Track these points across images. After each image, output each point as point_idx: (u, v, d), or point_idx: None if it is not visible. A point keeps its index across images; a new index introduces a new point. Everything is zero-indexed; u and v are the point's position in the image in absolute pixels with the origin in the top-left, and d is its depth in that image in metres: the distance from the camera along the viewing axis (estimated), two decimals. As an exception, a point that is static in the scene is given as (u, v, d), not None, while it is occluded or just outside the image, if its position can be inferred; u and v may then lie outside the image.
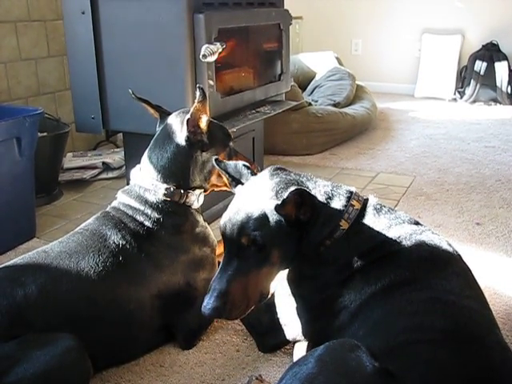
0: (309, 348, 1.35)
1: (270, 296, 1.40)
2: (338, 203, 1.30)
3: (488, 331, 1.13)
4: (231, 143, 1.71)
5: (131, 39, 2.23)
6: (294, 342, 1.43)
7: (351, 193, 1.34)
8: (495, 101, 4.98)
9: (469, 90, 5.04)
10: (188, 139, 1.58)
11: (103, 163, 3.08)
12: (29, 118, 2.15)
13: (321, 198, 1.30)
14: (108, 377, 1.46)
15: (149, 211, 1.56)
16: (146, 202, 1.58)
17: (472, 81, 5.00)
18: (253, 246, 1.23)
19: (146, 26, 2.17)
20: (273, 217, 1.23)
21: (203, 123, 1.59)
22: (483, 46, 5.03)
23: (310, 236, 1.27)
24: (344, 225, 1.28)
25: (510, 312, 1.69)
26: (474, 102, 5.03)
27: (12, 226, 2.20)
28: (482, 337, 1.10)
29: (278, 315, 1.43)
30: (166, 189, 1.57)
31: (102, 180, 3.01)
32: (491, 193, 2.75)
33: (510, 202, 2.61)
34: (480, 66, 4.93)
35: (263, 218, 1.23)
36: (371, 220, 1.30)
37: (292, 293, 1.37)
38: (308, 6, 5.54)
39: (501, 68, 4.88)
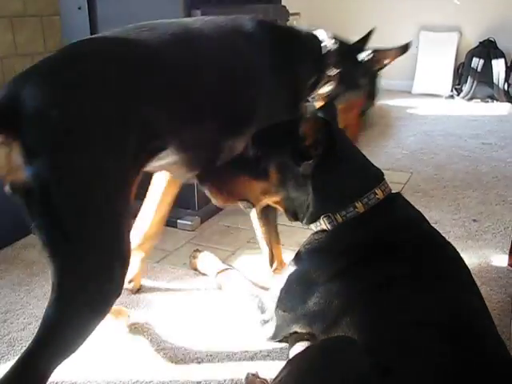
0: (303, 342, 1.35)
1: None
2: (362, 182, 1.32)
3: (484, 327, 1.13)
4: None
5: (128, 35, 2.22)
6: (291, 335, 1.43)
7: (380, 181, 1.34)
8: (492, 98, 4.98)
9: (466, 87, 5.04)
10: None
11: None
12: (25, 113, 2.14)
13: (349, 164, 1.34)
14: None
15: None
16: None
17: (469, 78, 5.00)
18: (253, 148, 1.35)
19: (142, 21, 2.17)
20: (285, 134, 1.33)
21: None
22: (480, 42, 5.03)
23: (321, 190, 1.30)
24: (359, 208, 1.28)
25: (505, 308, 1.70)
26: (471, 98, 5.03)
27: (9, 221, 2.18)
28: (477, 333, 1.10)
29: (278, 306, 1.43)
30: None
31: (99, 176, 3.00)
32: (488, 189, 2.75)
33: (506, 199, 2.62)
34: (477, 62, 4.93)
35: (274, 130, 1.36)
36: (384, 214, 1.29)
37: (290, 280, 1.38)
38: (305, 3, 5.53)
39: (498, 65, 4.88)
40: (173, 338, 1.59)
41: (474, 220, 2.38)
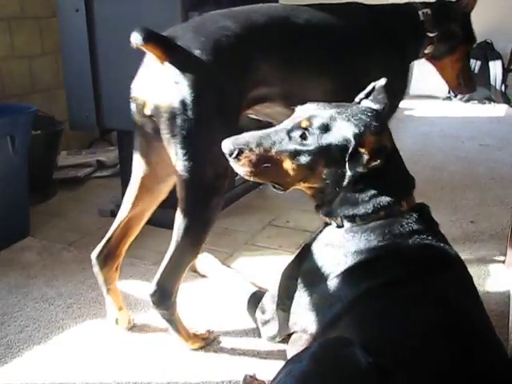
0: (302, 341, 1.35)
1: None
2: (392, 193, 1.28)
3: (482, 328, 1.14)
4: None
5: (126, 37, 2.20)
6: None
7: (410, 193, 1.32)
8: (489, 99, 4.99)
9: (463, 89, 5.04)
10: None
11: (97, 161, 3.07)
12: (22, 115, 2.14)
13: (387, 175, 1.28)
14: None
15: None
16: None
17: (466, 79, 5.01)
18: (307, 135, 1.24)
19: (140, 24, 2.16)
20: (345, 135, 1.22)
21: None
22: (477, 44, 5.02)
23: (353, 194, 1.27)
24: (381, 216, 1.27)
25: (503, 309, 1.70)
26: (469, 100, 5.04)
27: (6, 224, 2.18)
28: (476, 333, 1.10)
29: (278, 305, 1.43)
30: None
31: (97, 178, 3.00)
32: (485, 191, 2.75)
33: (503, 200, 2.62)
34: (474, 64, 4.94)
35: (337, 125, 1.24)
36: (400, 224, 1.28)
37: (291, 278, 1.38)
38: (304, 3, 5.53)
39: (495, 67, 4.89)
40: (171, 339, 1.59)
41: (472, 221, 2.39)
